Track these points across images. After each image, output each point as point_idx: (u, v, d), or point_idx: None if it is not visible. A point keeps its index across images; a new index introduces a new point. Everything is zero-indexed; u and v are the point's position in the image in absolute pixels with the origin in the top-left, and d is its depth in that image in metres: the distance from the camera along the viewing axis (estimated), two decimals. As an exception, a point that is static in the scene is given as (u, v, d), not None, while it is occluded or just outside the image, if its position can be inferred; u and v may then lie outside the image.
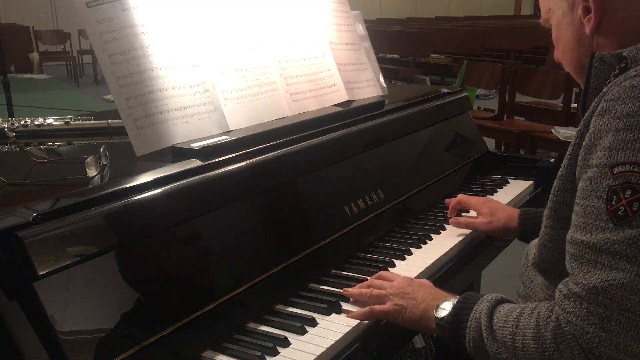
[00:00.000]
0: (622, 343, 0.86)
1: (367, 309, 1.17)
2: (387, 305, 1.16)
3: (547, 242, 1.07)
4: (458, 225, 1.58)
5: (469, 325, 1.05)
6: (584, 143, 0.95)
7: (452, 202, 1.66)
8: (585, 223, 0.92)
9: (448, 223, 1.61)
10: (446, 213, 1.71)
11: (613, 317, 0.86)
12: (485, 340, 1.02)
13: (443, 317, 1.09)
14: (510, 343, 0.98)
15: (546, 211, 1.07)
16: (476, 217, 1.60)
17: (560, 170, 1.03)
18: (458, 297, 1.12)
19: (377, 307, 1.16)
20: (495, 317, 1.02)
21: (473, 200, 1.64)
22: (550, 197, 1.05)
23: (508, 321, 0.99)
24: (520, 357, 0.96)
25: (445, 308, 1.10)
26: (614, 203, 0.88)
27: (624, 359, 0.87)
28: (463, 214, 1.68)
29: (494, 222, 1.55)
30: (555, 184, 1.04)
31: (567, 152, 1.01)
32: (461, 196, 1.66)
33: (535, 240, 1.19)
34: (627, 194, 0.87)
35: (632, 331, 0.86)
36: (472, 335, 1.04)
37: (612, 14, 1.00)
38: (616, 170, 0.88)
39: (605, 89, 0.95)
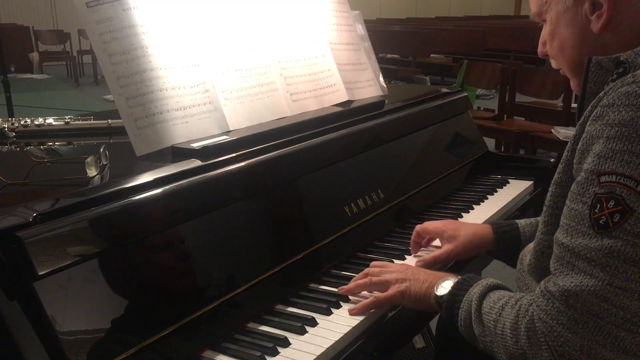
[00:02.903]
0: (586, 346, 0.88)
1: (371, 299, 1.17)
2: (391, 291, 1.17)
3: (544, 249, 1.07)
4: (425, 265, 1.36)
5: (461, 306, 1.08)
6: (578, 147, 0.95)
7: (412, 238, 1.45)
8: (568, 225, 0.94)
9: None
10: (447, 213, 1.71)
11: (581, 320, 0.89)
12: (473, 322, 1.05)
13: (442, 296, 1.12)
14: (492, 328, 1.01)
15: (542, 217, 1.07)
16: (440, 247, 1.43)
17: (555, 175, 1.03)
18: (459, 277, 1.14)
19: (381, 295, 1.17)
20: (485, 302, 1.05)
21: (431, 225, 1.45)
22: (546, 203, 1.05)
23: (494, 308, 1.02)
24: (499, 343, 1.00)
25: (445, 287, 1.13)
26: (597, 211, 0.89)
27: None
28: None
29: (459, 244, 1.40)
30: (550, 189, 1.04)
31: (562, 158, 1.01)
32: (418, 227, 1.45)
33: (530, 246, 1.19)
34: (610, 204, 0.88)
35: (598, 336, 0.88)
36: (463, 316, 1.08)
37: (623, 11, 0.99)
38: (603, 179, 0.89)
39: (601, 94, 0.95)
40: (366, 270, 1.25)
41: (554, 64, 1.14)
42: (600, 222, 0.89)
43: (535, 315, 0.94)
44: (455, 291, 1.11)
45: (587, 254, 0.89)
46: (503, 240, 1.41)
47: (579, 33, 1.04)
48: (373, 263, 1.29)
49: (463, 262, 1.45)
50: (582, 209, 0.91)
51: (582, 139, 0.95)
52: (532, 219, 1.44)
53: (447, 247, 1.40)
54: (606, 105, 0.91)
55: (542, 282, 0.97)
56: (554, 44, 1.09)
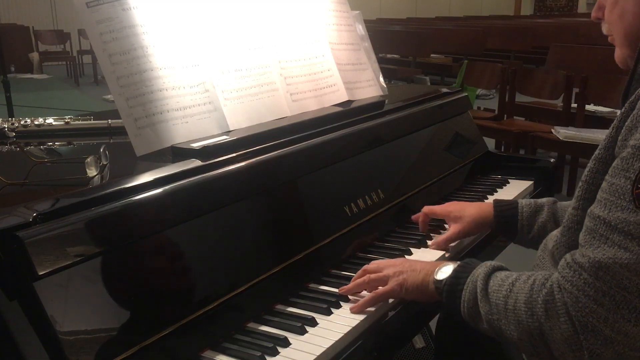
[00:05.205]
0: (611, 318, 0.88)
1: (371, 294, 1.18)
2: (390, 284, 1.18)
3: (572, 224, 1.06)
4: (439, 247, 1.46)
5: (465, 288, 1.08)
6: (626, 124, 0.95)
7: (419, 217, 1.56)
8: (607, 200, 0.93)
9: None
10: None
11: (609, 293, 0.88)
12: (479, 302, 1.05)
13: (442, 280, 1.12)
14: (502, 305, 1.01)
15: (577, 192, 1.06)
16: (448, 228, 1.52)
17: (597, 151, 1.02)
18: (459, 262, 1.15)
19: (381, 289, 1.18)
20: (491, 280, 1.05)
21: (437, 208, 1.56)
22: (582, 179, 1.05)
23: (503, 285, 1.02)
24: (510, 318, 0.99)
25: (446, 271, 1.14)
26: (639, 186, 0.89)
27: (609, 334, 0.88)
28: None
29: (465, 223, 1.49)
30: (590, 165, 1.03)
31: (607, 135, 1.00)
32: (425, 208, 1.56)
33: (555, 232, 1.19)
34: None
35: (624, 310, 0.88)
36: (467, 297, 1.07)
37: None
38: None
39: None
40: (364, 267, 1.26)
41: (604, 28, 1.13)
42: None
43: (555, 286, 0.94)
44: (458, 274, 1.11)
45: (624, 227, 0.89)
46: (501, 217, 1.48)
47: None
48: (371, 262, 1.28)
49: (467, 257, 1.45)
50: (624, 183, 0.91)
51: (631, 115, 0.94)
52: (532, 200, 1.48)
53: (454, 227, 1.48)
54: None
55: (567, 255, 0.97)
56: (614, 10, 1.08)
